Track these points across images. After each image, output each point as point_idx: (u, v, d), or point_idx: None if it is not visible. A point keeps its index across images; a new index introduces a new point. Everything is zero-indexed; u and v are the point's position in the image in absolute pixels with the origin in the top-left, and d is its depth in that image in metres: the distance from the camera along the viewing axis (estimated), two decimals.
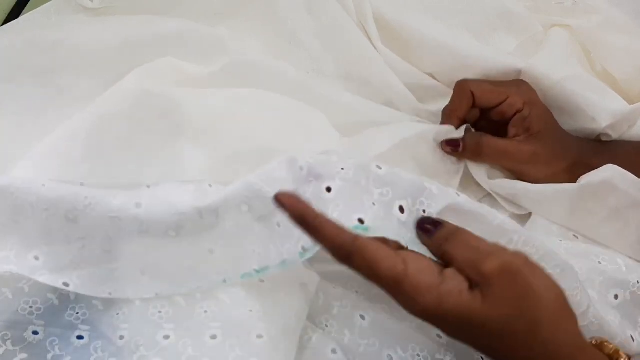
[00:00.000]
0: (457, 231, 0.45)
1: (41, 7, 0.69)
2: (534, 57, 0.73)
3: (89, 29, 0.68)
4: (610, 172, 0.63)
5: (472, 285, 0.42)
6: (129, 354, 0.49)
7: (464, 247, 0.44)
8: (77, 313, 0.51)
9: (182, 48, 0.67)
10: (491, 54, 0.72)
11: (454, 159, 0.67)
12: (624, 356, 0.48)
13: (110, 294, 0.51)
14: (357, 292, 0.58)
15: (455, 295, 0.42)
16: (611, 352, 0.48)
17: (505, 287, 0.42)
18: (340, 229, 0.43)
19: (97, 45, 0.66)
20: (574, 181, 0.64)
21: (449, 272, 0.43)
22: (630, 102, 0.78)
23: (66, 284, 0.49)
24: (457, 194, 0.50)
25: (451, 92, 0.71)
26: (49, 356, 0.49)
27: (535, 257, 0.49)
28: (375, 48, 0.73)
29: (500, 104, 0.64)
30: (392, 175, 0.50)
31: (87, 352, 0.49)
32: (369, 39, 0.73)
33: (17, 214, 0.49)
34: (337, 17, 0.72)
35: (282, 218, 0.48)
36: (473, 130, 0.68)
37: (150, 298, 0.51)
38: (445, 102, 0.68)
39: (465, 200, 0.50)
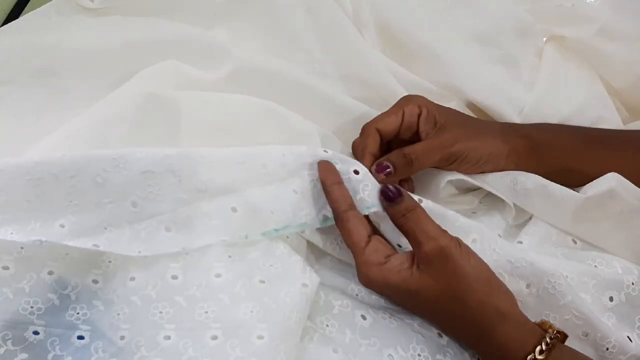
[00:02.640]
0: (414, 210, 0.56)
1: (41, 7, 0.68)
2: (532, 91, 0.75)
3: (89, 30, 0.68)
4: (614, 182, 0.63)
5: (415, 260, 0.55)
6: (130, 355, 0.49)
7: (415, 226, 0.55)
8: (78, 313, 0.51)
9: (182, 51, 0.67)
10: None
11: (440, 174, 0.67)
12: (554, 329, 0.54)
13: (139, 252, 0.52)
14: (357, 295, 0.58)
15: (395, 272, 0.55)
16: (546, 327, 0.55)
17: (439, 266, 0.54)
18: (342, 198, 0.57)
19: (98, 47, 0.66)
20: (509, 147, 0.66)
21: (396, 256, 0.56)
22: (631, 110, 0.78)
23: (96, 245, 0.51)
24: (419, 199, 0.59)
25: (447, 94, 0.74)
26: (50, 356, 0.49)
27: (495, 255, 0.58)
28: None
29: (402, 121, 0.66)
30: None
31: (87, 352, 0.49)
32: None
33: (38, 188, 0.50)
34: (336, 18, 0.72)
35: (298, 187, 0.58)
36: None
37: (151, 298, 0.51)
38: (442, 104, 0.69)
39: (426, 203, 0.59)
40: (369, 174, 0.59)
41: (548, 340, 0.53)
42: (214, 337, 0.49)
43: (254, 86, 0.68)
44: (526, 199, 0.66)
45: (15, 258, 0.50)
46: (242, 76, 0.68)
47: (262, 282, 0.53)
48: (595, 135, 0.71)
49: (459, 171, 0.66)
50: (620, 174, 0.64)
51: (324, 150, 0.59)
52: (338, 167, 0.58)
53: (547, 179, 0.65)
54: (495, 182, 0.67)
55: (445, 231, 0.56)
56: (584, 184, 0.66)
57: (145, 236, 0.52)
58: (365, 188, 0.58)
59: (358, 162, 0.59)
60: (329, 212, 0.58)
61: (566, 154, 0.68)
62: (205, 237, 0.54)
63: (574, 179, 0.66)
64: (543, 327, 0.55)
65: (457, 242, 0.55)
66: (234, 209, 0.55)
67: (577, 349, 0.55)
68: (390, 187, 0.57)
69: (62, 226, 0.51)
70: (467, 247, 0.55)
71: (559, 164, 0.67)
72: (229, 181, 0.55)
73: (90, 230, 0.51)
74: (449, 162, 0.65)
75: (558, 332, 0.54)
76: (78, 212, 0.51)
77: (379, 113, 0.68)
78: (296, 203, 0.57)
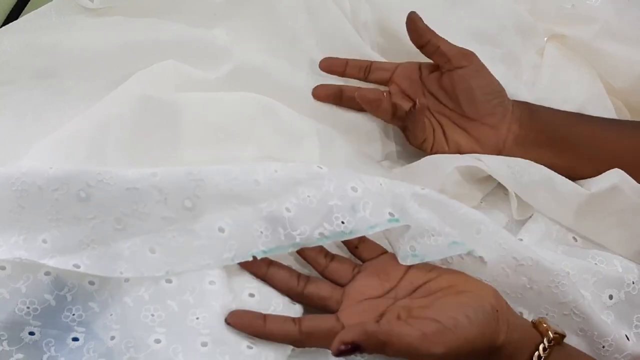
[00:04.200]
0: (384, 341, 0.47)
1: (41, 7, 0.68)
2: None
3: (89, 30, 0.68)
4: (618, 179, 0.64)
5: None
6: (119, 355, 0.49)
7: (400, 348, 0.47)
8: (74, 314, 0.51)
9: (183, 52, 0.67)
10: None
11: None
12: (551, 331, 0.52)
13: (121, 272, 0.51)
14: None
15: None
16: (543, 328, 0.52)
17: None
18: (283, 322, 0.50)
19: (98, 47, 0.66)
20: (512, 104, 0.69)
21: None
22: (631, 110, 0.78)
23: (77, 266, 0.50)
24: (422, 188, 0.55)
25: None
26: (45, 357, 0.49)
27: (501, 250, 0.55)
28: None
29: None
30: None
31: (80, 354, 0.49)
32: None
33: (23, 199, 0.50)
34: (336, 18, 0.73)
35: (292, 205, 0.53)
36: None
37: (144, 300, 0.51)
38: None
39: (429, 192, 0.55)
40: (368, 190, 0.54)
41: (541, 351, 0.51)
42: (204, 344, 0.49)
43: (253, 87, 0.68)
44: (530, 190, 0.66)
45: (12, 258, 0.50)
46: (242, 77, 0.68)
47: (252, 295, 0.53)
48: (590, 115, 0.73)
49: (468, 114, 0.69)
50: (616, 148, 0.65)
51: (319, 167, 0.55)
52: (333, 184, 0.54)
53: (545, 151, 0.67)
54: (501, 171, 0.66)
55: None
56: (579, 161, 0.67)
57: (128, 255, 0.52)
58: (366, 206, 0.53)
59: (355, 179, 0.54)
60: (326, 230, 0.53)
61: (560, 120, 0.70)
62: (190, 261, 0.52)
63: (568, 152, 0.68)
64: (539, 329, 0.53)
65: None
66: (221, 229, 0.53)
67: (571, 345, 0.55)
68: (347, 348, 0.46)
69: (45, 241, 0.50)
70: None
71: (554, 133, 0.69)
72: (218, 199, 0.53)
73: (73, 247, 0.50)
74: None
75: (556, 333, 0.52)
76: (61, 227, 0.50)
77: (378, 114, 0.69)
78: (289, 223, 0.53)
